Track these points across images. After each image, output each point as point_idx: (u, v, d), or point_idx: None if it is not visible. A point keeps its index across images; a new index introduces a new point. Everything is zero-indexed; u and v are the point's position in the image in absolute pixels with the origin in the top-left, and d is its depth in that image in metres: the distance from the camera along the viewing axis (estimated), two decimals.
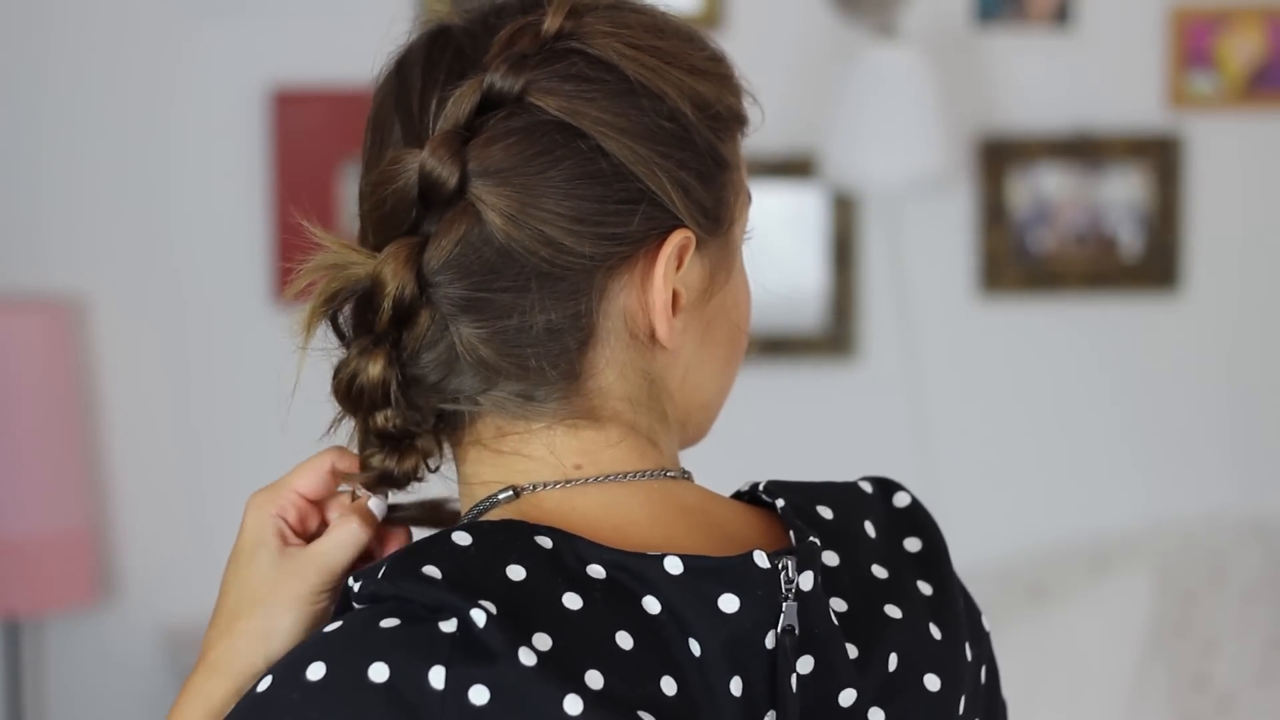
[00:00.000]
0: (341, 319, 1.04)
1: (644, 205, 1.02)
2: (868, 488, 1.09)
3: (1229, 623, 3.03)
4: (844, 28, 2.99)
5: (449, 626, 0.95)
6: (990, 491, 3.14)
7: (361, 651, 0.95)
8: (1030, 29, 3.11)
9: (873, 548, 1.06)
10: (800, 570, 0.99)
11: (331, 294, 1.03)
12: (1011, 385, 3.16)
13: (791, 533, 1.03)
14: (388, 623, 0.95)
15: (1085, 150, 3.10)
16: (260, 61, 3.04)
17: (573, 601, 0.97)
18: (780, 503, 1.05)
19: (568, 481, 1.04)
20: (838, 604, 1.02)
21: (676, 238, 1.03)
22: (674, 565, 0.98)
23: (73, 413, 2.99)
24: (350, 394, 1.03)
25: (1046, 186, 3.11)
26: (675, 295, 1.04)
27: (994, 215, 3.11)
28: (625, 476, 1.04)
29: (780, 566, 0.99)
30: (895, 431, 3.12)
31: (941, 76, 2.97)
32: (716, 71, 1.07)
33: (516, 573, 0.97)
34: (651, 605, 0.98)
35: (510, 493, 1.04)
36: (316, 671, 0.95)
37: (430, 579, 0.96)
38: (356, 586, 0.98)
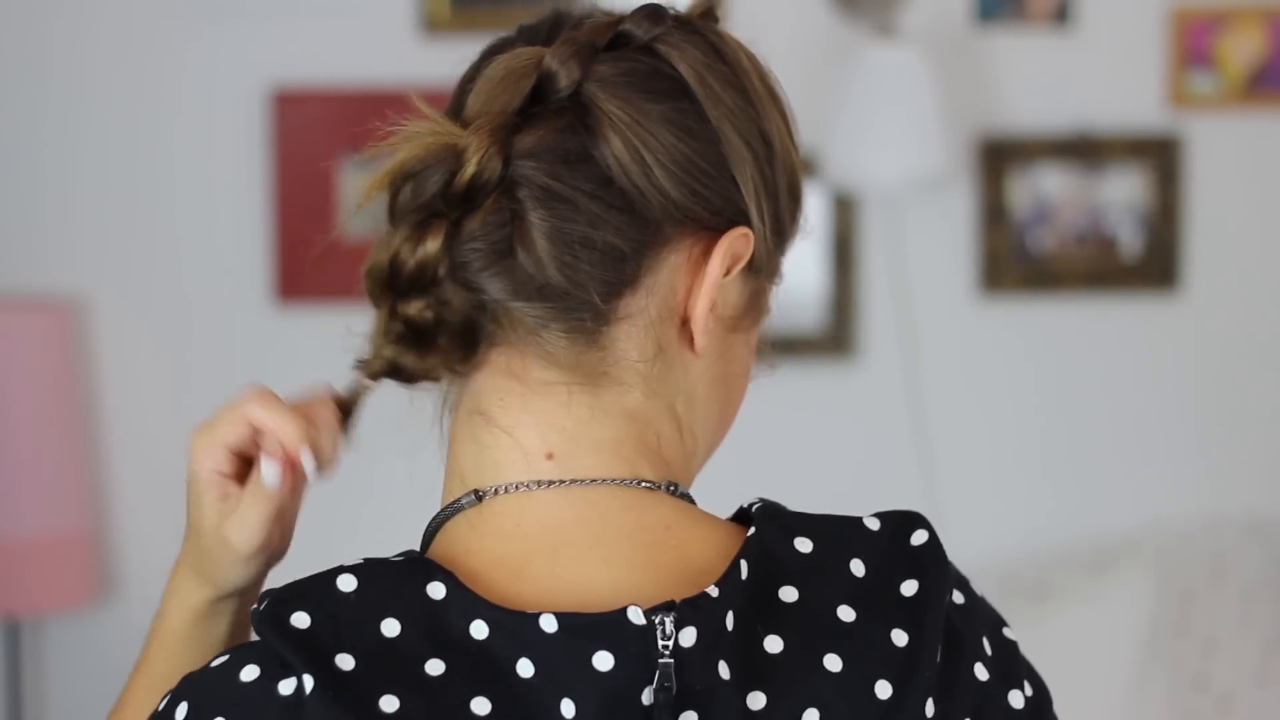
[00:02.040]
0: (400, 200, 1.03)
1: (726, 182, 1.05)
2: (873, 524, 1.05)
3: (1229, 623, 3.03)
4: (844, 28, 2.99)
5: (286, 689, 0.97)
6: (990, 491, 3.14)
7: (215, 701, 0.99)
8: (1030, 29, 3.11)
9: (850, 588, 1.03)
10: (681, 626, 0.98)
11: (413, 157, 1.01)
12: (1011, 385, 3.16)
13: (742, 565, 1.01)
14: (247, 674, 0.98)
15: (1085, 150, 3.10)
16: (260, 61, 3.04)
17: (435, 668, 0.97)
18: (751, 530, 1.03)
19: (533, 483, 1.03)
20: (773, 643, 1.00)
21: (740, 230, 1.05)
22: (549, 623, 0.97)
23: (73, 413, 2.99)
24: (390, 272, 1.02)
25: (1046, 186, 3.11)
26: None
27: (994, 215, 3.11)
28: (591, 482, 1.04)
29: (657, 623, 0.97)
30: (895, 431, 3.12)
31: (941, 76, 2.97)
32: (801, 162, 1.14)
33: (390, 628, 0.98)
34: (524, 668, 0.97)
35: (472, 497, 1.04)
36: (181, 711, 0.99)
37: (291, 632, 0.97)
38: (260, 606, 1.00)
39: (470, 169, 1.00)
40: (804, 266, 3.10)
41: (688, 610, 0.98)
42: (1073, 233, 3.12)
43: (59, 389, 2.96)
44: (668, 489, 1.06)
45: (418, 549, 1.06)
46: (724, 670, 0.98)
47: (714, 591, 0.99)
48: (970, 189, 3.12)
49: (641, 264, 1.03)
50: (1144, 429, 3.17)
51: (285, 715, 0.96)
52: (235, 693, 0.98)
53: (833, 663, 1.00)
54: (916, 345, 3.12)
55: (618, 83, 1.03)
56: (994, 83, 3.12)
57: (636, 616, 0.97)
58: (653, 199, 1.02)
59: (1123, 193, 3.12)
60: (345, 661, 0.96)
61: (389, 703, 0.96)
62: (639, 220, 1.02)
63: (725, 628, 0.99)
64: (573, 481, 1.03)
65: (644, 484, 1.05)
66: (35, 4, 3.02)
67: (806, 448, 3.12)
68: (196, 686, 1.00)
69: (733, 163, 1.05)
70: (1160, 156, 3.11)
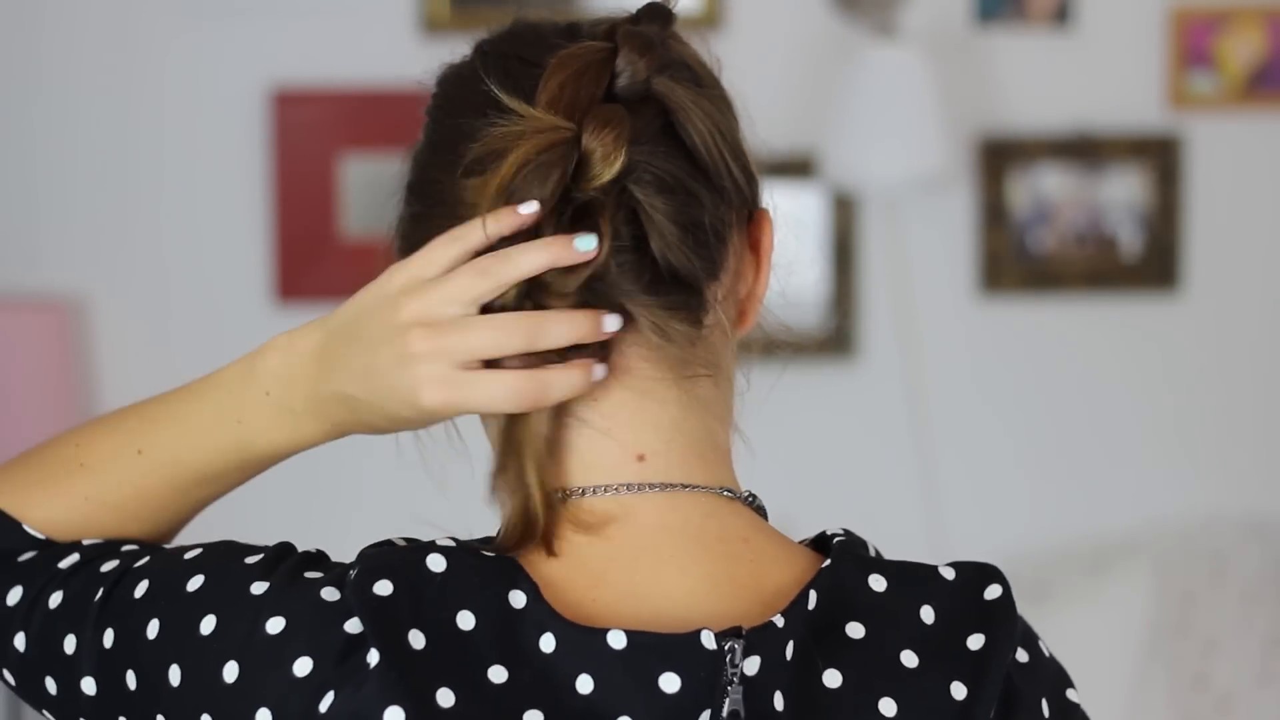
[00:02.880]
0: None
1: (753, 166, 1.07)
2: (949, 574, 1.04)
3: (1229, 623, 3.03)
4: (844, 28, 2.99)
5: (372, 657, 0.97)
6: (990, 491, 3.14)
7: (287, 642, 0.99)
8: (1030, 29, 3.11)
9: (917, 634, 1.02)
10: (747, 654, 0.97)
11: (531, 155, 0.99)
12: (1011, 385, 3.16)
13: (811, 595, 1.01)
14: (351, 625, 0.98)
15: (1085, 150, 3.10)
16: (260, 61, 3.04)
17: (497, 675, 0.97)
18: (827, 562, 1.03)
19: (622, 487, 1.03)
20: (832, 677, 1.00)
21: (767, 211, 1.08)
22: (617, 640, 0.97)
23: (73, 413, 2.99)
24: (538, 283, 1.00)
25: (1046, 186, 3.11)
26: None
27: (994, 215, 3.11)
28: (681, 487, 1.04)
29: (727, 649, 0.97)
30: (895, 431, 3.12)
31: (941, 76, 2.97)
32: None
33: (465, 621, 0.98)
34: (584, 684, 0.97)
35: (557, 496, 1.03)
36: (275, 625, 0.99)
37: (370, 598, 0.97)
38: (352, 575, 0.99)
39: (614, 166, 0.99)
40: (804, 266, 3.10)
41: (755, 639, 0.98)
42: (1073, 233, 3.12)
43: (59, 389, 2.96)
44: (746, 500, 1.07)
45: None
46: (779, 701, 0.98)
47: (779, 621, 0.99)
48: (970, 189, 3.12)
49: (729, 244, 1.05)
50: (1144, 429, 3.17)
51: (362, 669, 0.97)
52: (314, 620, 0.99)
53: (888, 706, 0.99)
54: (916, 345, 3.12)
55: (676, 73, 1.04)
56: (994, 83, 3.12)
57: (709, 641, 0.97)
58: (727, 180, 1.04)
59: (1123, 193, 3.12)
60: (417, 639, 0.96)
61: (445, 697, 0.96)
62: (725, 200, 1.04)
63: (785, 658, 0.98)
64: (663, 486, 1.03)
65: (726, 492, 1.05)
66: (35, 3, 3.02)
67: (806, 448, 3.12)
68: (285, 606, 1.00)
69: (747, 149, 1.07)
70: (1160, 156, 3.11)
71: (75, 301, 3.05)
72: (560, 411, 1.03)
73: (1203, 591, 3.05)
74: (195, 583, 1.02)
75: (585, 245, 0.99)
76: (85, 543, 1.09)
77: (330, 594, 0.99)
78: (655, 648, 0.97)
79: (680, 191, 1.02)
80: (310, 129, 3.02)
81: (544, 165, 0.99)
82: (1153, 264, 3.13)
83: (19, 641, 1.07)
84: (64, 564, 1.08)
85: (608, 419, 1.03)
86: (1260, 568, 3.09)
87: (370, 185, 2.98)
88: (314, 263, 3.00)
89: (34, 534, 1.10)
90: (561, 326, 1.00)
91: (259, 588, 1.01)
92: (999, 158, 3.10)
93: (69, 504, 1.10)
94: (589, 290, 1.00)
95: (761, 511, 1.08)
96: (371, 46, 3.04)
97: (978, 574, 1.05)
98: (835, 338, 3.12)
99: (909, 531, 2.94)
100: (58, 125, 3.04)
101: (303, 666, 0.97)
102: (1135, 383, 3.17)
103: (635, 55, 1.02)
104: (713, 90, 1.06)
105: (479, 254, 1.01)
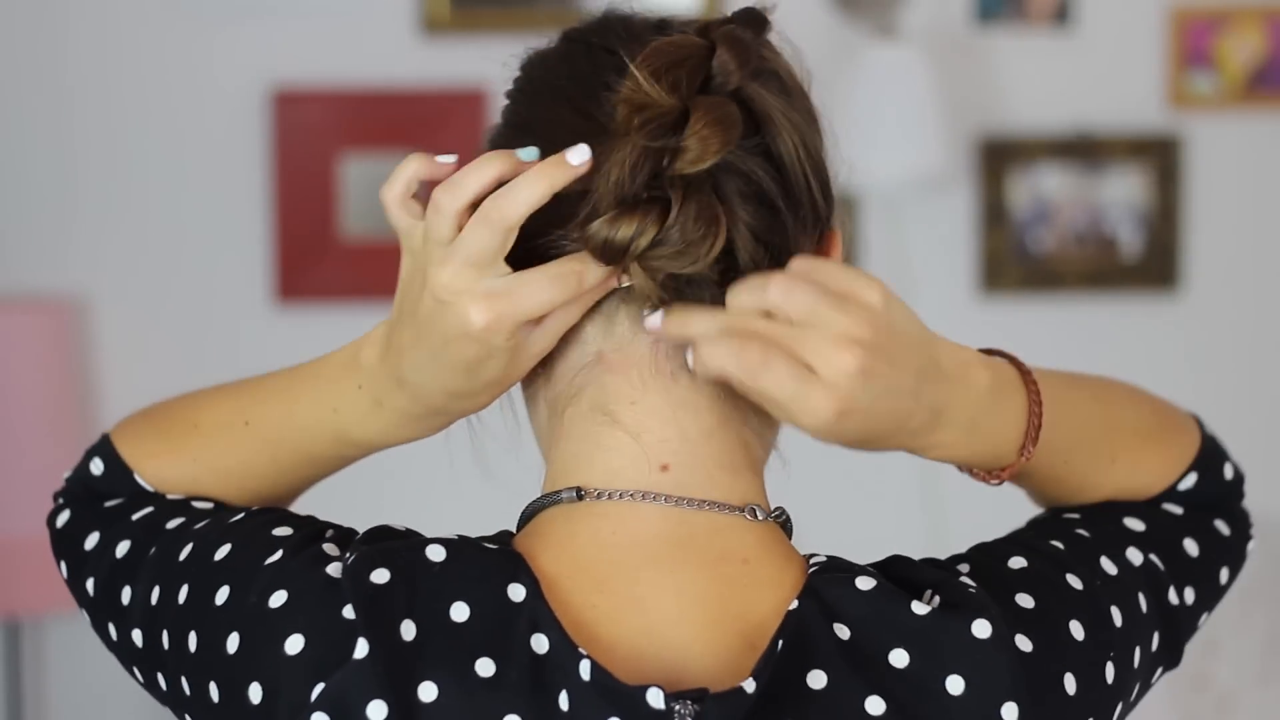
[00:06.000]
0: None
1: (832, 184, 1.06)
2: (921, 610, 1.01)
3: (1229, 623, 3.03)
4: (844, 28, 2.99)
5: (360, 652, 0.96)
6: (991, 491, 3.13)
7: (280, 625, 0.99)
8: (1030, 29, 3.11)
9: (886, 679, 0.98)
10: (707, 718, 0.95)
11: (642, 124, 0.97)
12: None
13: (779, 644, 0.99)
14: (349, 611, 0.97)
15: (1085, 150, 3.10)
16: (260, 61, 3.04)
17: (485, 668, 0.96)
18: (793, 606, 1.00)
19: (640, 494, 1.02)
20: None
21: (836, 233, 1.07)
22: (585, 671, 0.96)
23: (73, 413, 2.99)
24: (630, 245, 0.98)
25: (1046, 186, 3.11)
26: None
27: (994, 215, 3.11)
28: (695, 504, 1.02)
29: (677, 710, 0.95)
30: None
31: (941, 76, 2.97)
32: None
33: (459, 612, 0.97)
34: (564, 701, 0.96)
35: (573, 494, 1.03)
36: (278, 599, 0.99)
37: (366, 587, 0.97)
38: (348, 562, 0.99)
39: (706, 160, 0.97)
40: None
41: (714, 706, 0.95)
42: (1073, 233, 3.12)
43: (59, 389, 2.96)
44: (769, 516, 1.05)
45: (514, 529, 1.06)
46: None
47: (750, 687, 0.96)
48: (970, 189, 3.12)
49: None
50: None
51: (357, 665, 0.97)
52: (315, 615, 0.98)
53: None
54: None
55: (767, 81, 1.03)
56: (994, 83, 3.12)
57: (656, 700, 0.95)
58: (805, 198, 1.03)
59: (1123, 193, 3.12)
60: (408, 629, 0.96)
61: (428, 691, 0.95)
62: (800, 220, 1.03)
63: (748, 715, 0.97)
64: (679, 500, 1.02)
65: (743, 510, 1.04)
66: (35, 4, 3.02)
67: (806, 447, 3.12)
68: (289, 581, 0.99)
69: (829, 167, 1.06)
70: (1160, 156, 3.11)
71: (75, 301, 3.05)
72: (593, 405, 1.03)
73: None
74: (222, 551, 1.03)
75: (577, 158, 0.97)
76: (168, 496, 1.12)
77: (336, 571, 0.99)
78: (609, 691, 0.95)
79: (766, 206, 1.01)
80: (310, 129, 3.02)
81: (659, 133, 0.97)
82: (1153, 264, 3.13)
83: (89, 585, 1.10)
84: (137, 515, 1.10)
85: (641, 423, 1.03)
86: (1260, 568, 3.08)
87: (370, 185, 2.98)
88: (314, 263, 3.00)
89: (142, 484, 1.13)
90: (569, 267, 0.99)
91: (273, 559, 1.01)
92: (999, 158, 3.10)
93: (179, 462, 1.12)
94: (672, 289, 0.99)
95: (785, 527, 1.07)
96: (371, 46, 3.04)
97: (963, 606, 1.01)
98: None
99: (909, 532, 2.93)
100: (58, 125, 3.04)
101: (294, 644, 0.97)
102: (1135, 383, 3.16)
103: (731, 58, 1.00)
104: (801, 103, 1.05)
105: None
